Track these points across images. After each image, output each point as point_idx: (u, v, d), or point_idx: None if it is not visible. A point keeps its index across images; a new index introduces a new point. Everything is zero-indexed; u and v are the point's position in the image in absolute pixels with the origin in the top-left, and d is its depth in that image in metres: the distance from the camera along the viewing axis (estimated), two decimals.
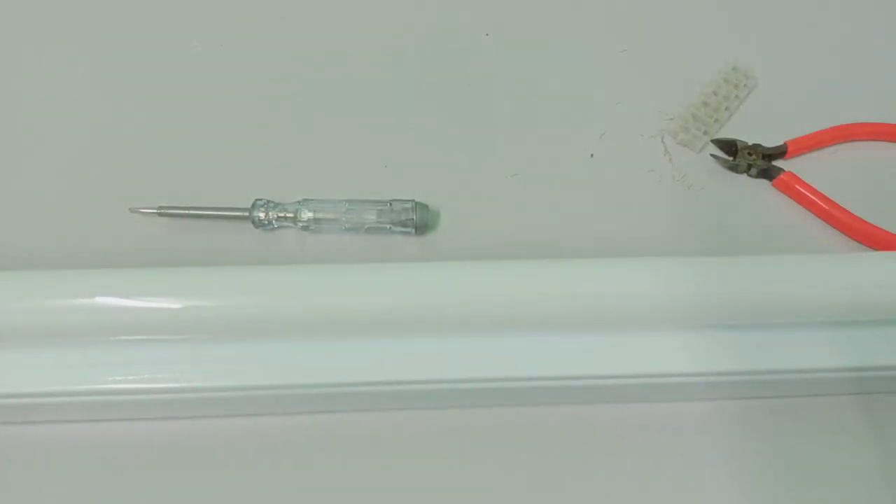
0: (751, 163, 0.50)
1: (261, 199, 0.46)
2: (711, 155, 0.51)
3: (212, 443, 0.40)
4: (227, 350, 0.38)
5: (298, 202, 0.46)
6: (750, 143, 0.51)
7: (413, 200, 0.46)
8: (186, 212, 0.46)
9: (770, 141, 0.51)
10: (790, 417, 0.41)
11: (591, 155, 0.51)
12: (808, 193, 0.48)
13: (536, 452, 0.40)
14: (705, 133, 0.51)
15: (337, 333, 0.39)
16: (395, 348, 0.38)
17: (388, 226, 0.46)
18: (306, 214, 0.45)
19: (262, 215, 0.45)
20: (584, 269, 0.39)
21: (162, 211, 0.46)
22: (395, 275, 0.39)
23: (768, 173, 0.50)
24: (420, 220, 0.46)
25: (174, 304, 0.37)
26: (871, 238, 0.47)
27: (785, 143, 0.51)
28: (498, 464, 0.40)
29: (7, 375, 0.37)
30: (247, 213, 0.46)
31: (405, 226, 0.46)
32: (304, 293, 0.38)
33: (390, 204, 0.46)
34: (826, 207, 0.48)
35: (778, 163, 0.50)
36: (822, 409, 0.41)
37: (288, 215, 0.45)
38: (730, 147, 0.51)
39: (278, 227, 0.47)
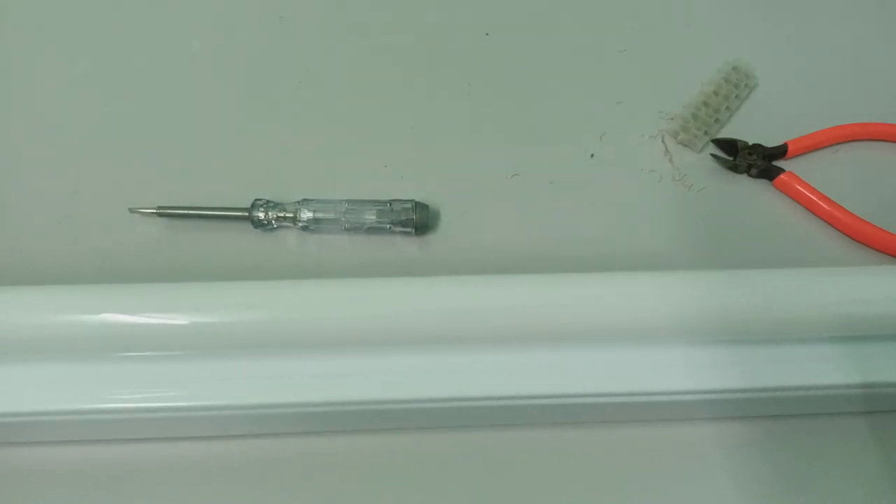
0: (751, 163, 0.50)
1: (260, 199, 0.46)
2: (712, 155, 0.51)
3: (214, 465, 0.39)
4: (229, 367, 0.38)
5: (298, 202, 0.46)
6: (750, 143, 0.50)
7: (413, 200, 0.46)
8: (186, 212, 0.46)
9: (770, 141, 0.51)
10: (796, 438, 0.41)
11: (592, 155, 0.51)
12: (808, 193, 0.48)
13: (535, 475, 0.40)
14: (706, 133, 0.51)
15: (341, 349, 0.38)
16: (393, 365, 0.38)
17: (388, 226, 0.46)
18: (306, 214, 0.45)
19: (261, 215, 0.45)
20: (582, 283, 0.39)
21: (161, 211, 0.46)
22: (397, 289, 0.38)
23: (769, 173, 0.50)
24: (420, 220, 0.46)
25: (178, 320, 0.36)
26: (871, 238, 0.47)
27: (785, 143, 0.50)
28: (497, 487, 0.39)
29: (5, 393, 0.37)
30: (246, 214, 0.46)
31: (405, 226, 0.46)
32: (309, 307, 0.37)
33: (390, 204, 0.46)
34: (826, 207, 0.48)
35: (778, 163, 0.50)
36: (828, 429, 0.41)
37: (288, 215, 0.45)
38: (730, 147, 0.50)
39: (278, 227, 0.47)
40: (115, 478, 0.39)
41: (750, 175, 0.50)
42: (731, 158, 0.50)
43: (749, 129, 0.52)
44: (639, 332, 0.38)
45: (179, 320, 0.36)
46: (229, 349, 0.38)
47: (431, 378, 0.38)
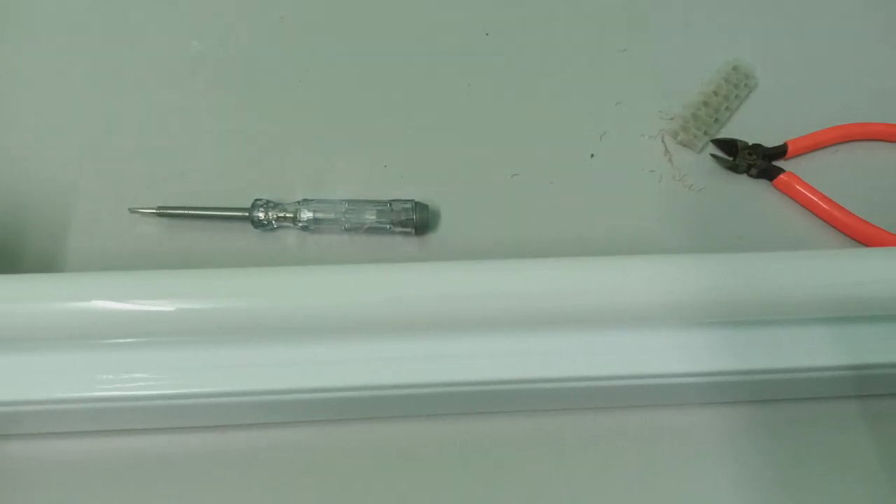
0: (751, 163, 0.50)
1: (260, 199, 0.46)
2: (712, 155, 0.51)
3: (212, 456, 0.39)
4: (219, 354, 0.38)
5: (298, 202, 0.46)
6: (750, 143, 0.50)
7: (413, 200, 0.46)
8: (186, 212, 0.46)
9: (770, 141, 0.51)
10: (788, 423, 0.41)
11: (591, 155, 0.51)
12: (808, 193, 0.48)
13: (533, 461, 0.40)
14: (706, 133, 0.51)
15: (337, 336, 0.38)
16: (391, 350, 0.38)
17: (388, 226, 0.46)
18: (306, 214, 0.45)
19: (261, 215, 0.45)
20: (575, 267, 0.39)
21: (161, 211, 0.46)
22: (392, 275, 0.38)
23: (768, 173, 0.50)
24: (420, 220, 0.46)
25: (168, 307, 0.36)
26: (871, 238, 0.47)
27: (785, 143, 0.50)
28: (496, 473, 0.40)
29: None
30: (246, 214, 0.46)
31: (405, 226, 0.46)
32: (302, 294, 0.37)
33: (390, 204, 0.46)
34: (826, 207, 0.48)
35: (778, 163, 0.50)
36: (820, 413, 0.41)
37: (288, 215, 0.45)
38: (730, 147, 0.50)
39: (278, 228, 0.47)
40: (113, 469, 0.39)
41: (750, 175, 0.50)
42: (731, 158, 0.50)
43: (749, 129, 0.52)
44: (631, 315, 0.38)
45: (166, 307, 0.36)
46: (221, 336, 0.38)
47: (426, 364, 0.38)
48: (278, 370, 0.38)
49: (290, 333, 0.38)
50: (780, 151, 0.50)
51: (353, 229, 0.46)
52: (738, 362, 0.39)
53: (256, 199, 0.46)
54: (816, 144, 0.51)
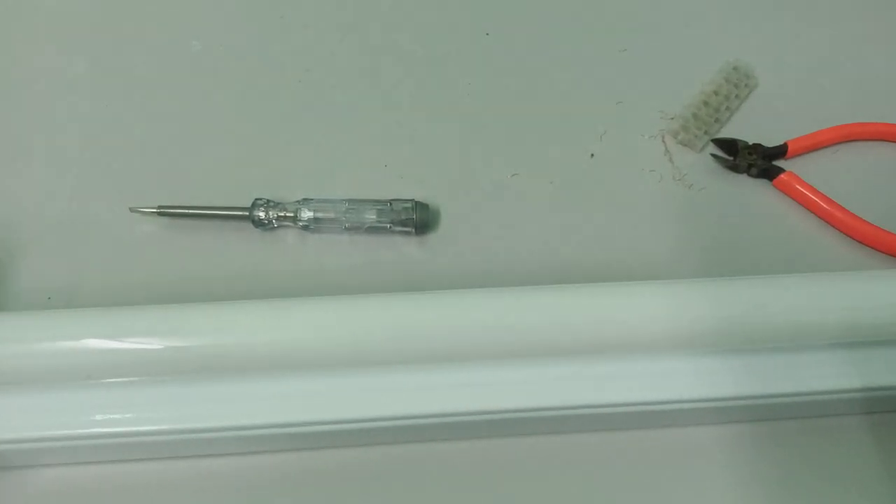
0: (751, 162, 0.50)
1: (261, 199, 0.46)
2: (712, 154, 0.51)
3: (206, 482, 0.39)
4: (218, 389, 0.37)
5: (298, 202, 0.46)
6: (750, 143, 0.51)
7: (413, 200, 0.46)
8: (186, 211, 0.46)
9: (770, 141, 0.51)
10: (799, 439, 0.41)
11: (592, 155, 0.51)
12: (808, 193, 0.48)
13: (540, 482, 0.40)
14: (706, 133, 0.51)
15: (337, 368, 0.37)
16: (388, 383, 0.37)
17: (388, 225, 0.46)
18: (306, 214, 0.45)
19: (262, 215, 0.45)
20: (581, 295, 0.38)
21: (162, 210, 0.46)
22: (388, 307, 0.37)
23: (769, 173, 0.50)
24: (420, 220, 0.46)
25: (156, 345, 0.35)
26: (871, 238, 0.47)
27: (785, 143, 0.51)
28: (494, 494, 0.39)
29: None
30: (247, 213, 0.46)
31: (405, 225, 0.46)
32: (293, 328, 0.36)
33: (390, 204, 0.46)
34: (826, 207, 0.48)
35: (778, 162, 0.50)
36: (830, 428, 0.41)
37: (288, 215, 0.45)
38: (730, 147, 0.50)
39: (278, 227, 0.47)
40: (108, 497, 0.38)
41: (750, 175, 0.50)
42: (732, 158, 0.50)
43: (749, 128, 0.52)
44: (639, 342, 0.38)
45: (154, 345, 0.35)
46: (215, 371, 0.37)
47: (436, 393, 0.37)
48: (275, 404, 0.37)
49: (286, 367, 0.37)
50: (780, 151, 0.50)
51: (354, 229, 0.46)
52: (751, 388, 0.38)
53: (257, 199, 0.46)
54: (816, 144, 0.51)
